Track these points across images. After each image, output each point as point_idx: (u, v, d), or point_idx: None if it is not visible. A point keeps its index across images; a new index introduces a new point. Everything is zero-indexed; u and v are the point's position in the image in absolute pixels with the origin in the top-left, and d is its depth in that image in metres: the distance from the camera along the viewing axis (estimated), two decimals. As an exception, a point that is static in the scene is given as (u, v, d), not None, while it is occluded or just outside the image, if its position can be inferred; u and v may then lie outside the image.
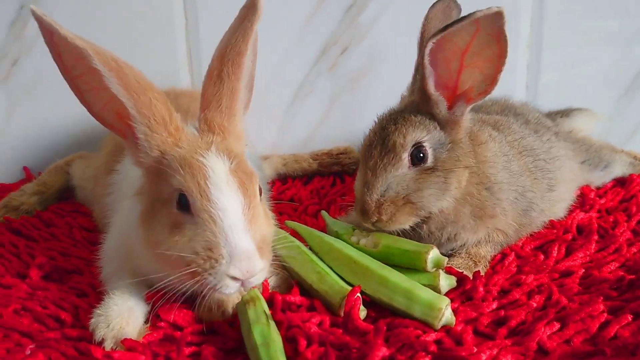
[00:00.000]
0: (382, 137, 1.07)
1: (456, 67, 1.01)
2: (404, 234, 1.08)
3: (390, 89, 1.67)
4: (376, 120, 1.13)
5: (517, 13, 1.76)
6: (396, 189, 1.04)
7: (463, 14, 1.11)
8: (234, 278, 0.86)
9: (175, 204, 0.91)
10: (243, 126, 1.04)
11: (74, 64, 0.91)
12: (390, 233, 1.07)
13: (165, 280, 0.91)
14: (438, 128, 1.07)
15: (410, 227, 1.08)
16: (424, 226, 1.08)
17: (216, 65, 0.99)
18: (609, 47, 1.80)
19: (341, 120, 1.81)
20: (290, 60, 1.75)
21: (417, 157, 1.04)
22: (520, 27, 1.77)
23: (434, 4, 1.20)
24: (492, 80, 1.01)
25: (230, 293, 0.89)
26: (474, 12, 0.94)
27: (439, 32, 0.97)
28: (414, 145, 1.04)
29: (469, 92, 1.04)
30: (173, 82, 1.68)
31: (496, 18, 0.94)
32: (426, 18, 1.19)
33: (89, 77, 0.90)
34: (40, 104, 1.72)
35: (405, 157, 1.04)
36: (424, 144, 1.05)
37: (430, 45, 0.98)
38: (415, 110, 1.08)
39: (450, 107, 1.06)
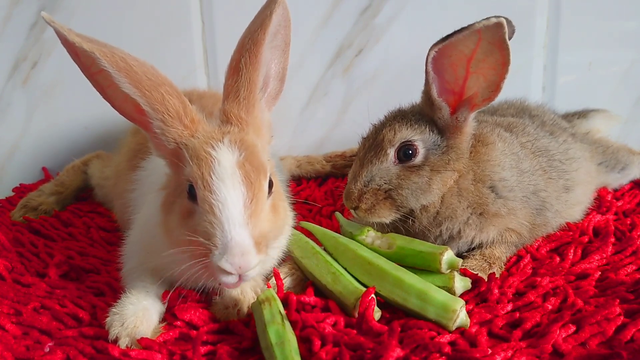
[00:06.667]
0: (377, 132, 1.13)
1: (462, 73, 1.03)
2: (395, 228, 1.11)
3: (405, 91, 1.67)
4: (383, 117, 1.18)
5: (533, 14, 1.75)
6: (379, 181, 1.08)
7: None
8: (227, 271, 0.85)
9: (187, 193, 0.92)
10: (265, 118, 1.04)
11: (91, 63, 0.92)
12: (375, 225, 1.11)
13: (174, 260, 0.92)
14: (435, 131, 1.09)
15: (400, 222, 1.10)
16: (415, 222, 1.10)
17: (235, 55, 0.99)
18: (626, 48, 1.79)
19: (356, 122, 1.81)
20: (305, 62, 1.76)
21: (405, 154, 1.08)
22: (536, 27, 1.76)
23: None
24: (495, 87, 1.03)
25: (227, 282, 0.88)
26: (474, 23, 0.96)
27: (441, 42, 1.00)
28: (402, 143, 1.08)
29: (473, 98, 1.06)
30: (189, 84, 1.70)
31: (496, 28, 0.95)
32: None
33: (107, 74, 0.92)
34: (58, 105, 1.74)
35: (391, 152, 1.09)
36: (415, 143, 1.08)
37: (432, 54, 1.01)
38: (417, 112, 1.12)
39: (453, 113, 1.08)
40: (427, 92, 1.08)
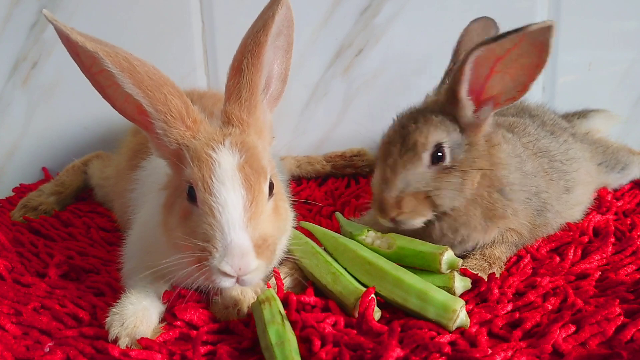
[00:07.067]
0: (402, 135, 1.07)
1: (485, 72, 1.01)
2: (415, 234, 1.08)
3: (405, 90, 1.67)
4: (396, 118, 1.14)
5: (533, 14, 1.74)
6: (416, 185, 1.05)
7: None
8: (227, 274, 0.86)
9: (186, 195, 0.92)
10: (267, 119, 1.04)
11: (92, 62, 0.92)
12: (403, 233, 1.08)
13: (173, 263, 0.91)
14: (457, 130, 1.07)
15: (423, 227, 1.09)
16: (437, 226, 1.09)
17: (238, 56, 0.99)
18: (626, 48, 1.79)
19: (356, 122, 1.81)
20: (305, 62, 1.76)
21: (436, 156, 1.05)
22: (536, 28, 1.76)
23: (476, 20, 1.21)
24: (523, 88, 1.02)
25: (225, 287, 0.89)
26: (528, 26, 0.93)
27: (488, 43, 0.97)
28: (435, 146, 1.05)
29: (498, 97, 1.05)
30: (189, 84, 1.70)
31: (544, 31, 0.94)
32: (465, 30, 1.20)
33: (108, 74, 0.91)
34: (58, 105, 1.74)
35: (426, 156, 1.05)
36: (444, 144, 1.05)
37: (477, 53, 0.98)
38: (437, 110, 1.09)
39: (475, 111, 1.07)
40: (452, 90, 1.05)
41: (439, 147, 1.05)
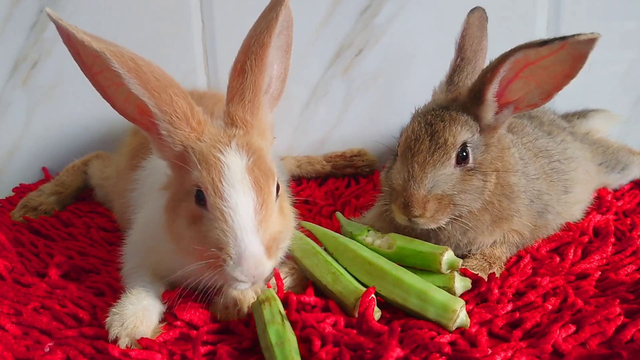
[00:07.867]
0: (430, 132, 1.05)
1: (510, 75, 1.00)
2: (422, 235, 1.08)
3: (405, 90, 1.67)
4: (416, 114, 1.12)
5: (533, 14, 1.74)
6: (443, 187, 1.03)
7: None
8: (242, 281, 0.87)
9: (194, 198, 0.91)
10: (268, 120, 1.04)
11: (93, 62, 0.91)
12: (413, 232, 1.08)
13: (183, 271, 0.92)
14: (478, 130, 1.07)
15: (433, 229, 1.08)
16: (447, 229, 1.07)
17: (240, 57, 0.99)
18: (626, 48, 1.79)
19: (356, 122, 1.81)
20: (305, 62, 1.76)
21: (462, 156, 1.05)
22: (536, 27, 1.76)
23: (472, 10, 1.20)
24: (547, 96, 1.02)
25: (241, 289, 0.90)
26: (575, 35, 0.92)
27: (533, 46, 0.95)
28: (461, 145, 1.04)
29: (520, 102, 1.04)
30: (189, 83, 1.70)
31: (589, 43, 0.92)
32: (467, 23, 1.18)
33: (109, 74, 0.90)
34: (59, 105, 1.74)
35: (454, 155, 1.04)
36: (468, 145, 1.05)
37: (518, 55, 0.97)
38: (460, 109, 1.07)
39: (496, 113, 1.07)
40: (479, 90, 1.04)
41: (464, 147, 1.05)
